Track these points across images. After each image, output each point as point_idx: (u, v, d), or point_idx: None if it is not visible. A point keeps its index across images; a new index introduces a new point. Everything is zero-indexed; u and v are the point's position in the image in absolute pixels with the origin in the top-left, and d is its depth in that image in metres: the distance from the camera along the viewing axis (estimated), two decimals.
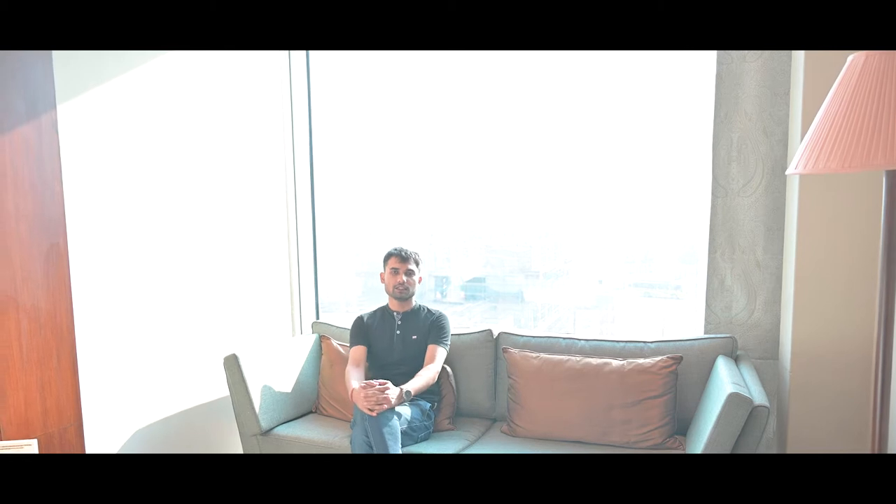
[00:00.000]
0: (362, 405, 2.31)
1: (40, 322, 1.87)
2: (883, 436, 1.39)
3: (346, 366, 2.70)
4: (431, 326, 2.72)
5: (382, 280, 2.78)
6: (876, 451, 1.39)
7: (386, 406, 2.29)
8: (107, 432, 2.40)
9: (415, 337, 2.71)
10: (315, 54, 3.32)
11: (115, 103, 2.39)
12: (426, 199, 3.45)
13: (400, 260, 2.71)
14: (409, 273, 2.72)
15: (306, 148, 3.37)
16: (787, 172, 1.42)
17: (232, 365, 2.58)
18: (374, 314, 2.81)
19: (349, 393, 2.45)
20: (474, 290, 3.55)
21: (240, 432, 2.66)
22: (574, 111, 3.04)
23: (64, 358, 1.94)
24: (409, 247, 2.75)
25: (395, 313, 2.77)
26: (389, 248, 2.77)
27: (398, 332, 2.73)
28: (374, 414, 2.27)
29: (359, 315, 2.82)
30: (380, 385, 2.34)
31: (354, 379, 2.55)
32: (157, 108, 2.56)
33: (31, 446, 1.76)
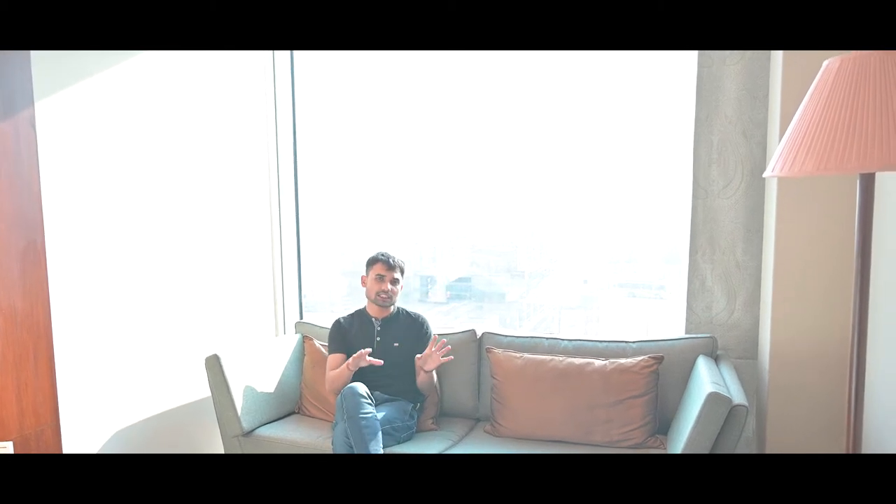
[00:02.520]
0: (355, 361, 2.45)
1: (17, 322, 1.85)
2: (857, 435, 1.41)
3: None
4: (417, 338, 2.71)
5: (364, 284, 2.75)
6: (851, 450, 1.42)
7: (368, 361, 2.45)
8: (85, 434, 2.37)
9: (396, 344, 2.68)
10: (299, 53, 3.31)
11: (95, 100, 2.36)
12: (412, 199, 3.45)
13: (386, 267, 2.68)
14: (395, 282, 2.69)
15: (290, 146, 3.36)
16: (764, 175, 1.44)
17: (213, 365, 2.56)
18: (351, 318, 2.77)
19: (345, 367, 2.53)
20: (460, 290, 3.55)
21: (221, 433, 2.64)
22: (558, 113, 3.06)
23: (41, 358, 1.92)
24: (395, 254, 2.72)
25: (374, 319, 2.73)
26: (375, 253, 2.72)
27: (378, 338, 2.70)
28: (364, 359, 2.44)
29: (336, 319, 2.77)
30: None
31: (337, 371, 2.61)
32: (138, 105, 2.53)
33: (6, 448, 1.73)
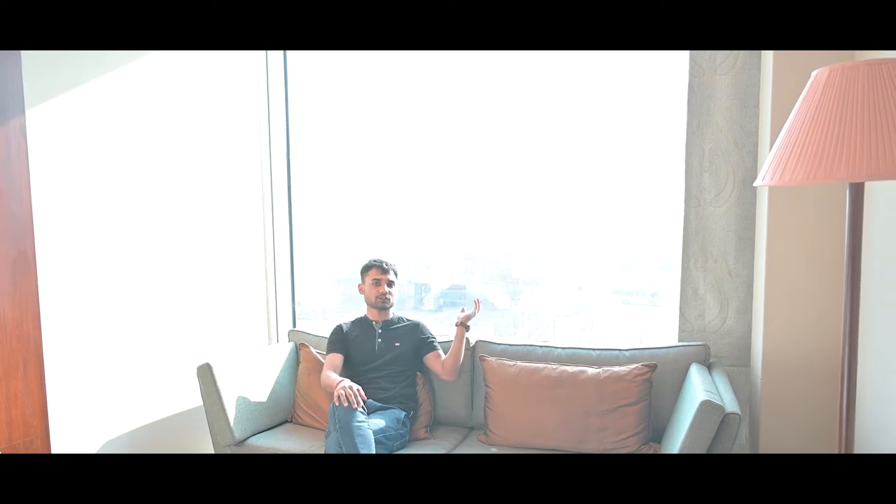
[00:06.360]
0: (339, 394, 2.32)
1: (6, 331, 1.83)
2: (849, 442, 1.41)
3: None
4: (419, 339, 2.78)
5: (361, 291, 2.84)
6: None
7: (354, 406, 2.31)
8: (75, 444, 2.35)
9: (397, 344, 2.75)
10: (292, 57, 3.31)
11: (86, 108, 2.35)
12: (406, 206, 3.45)
13: (381, 271, 2.78)
14: (390, 284, 2.80)
15: (283, 152, 3.36)
16: (754, 184, 1.45)
17: (205, 374, 2.55)
18: (353, 324, 2.84)
19: (333, 385, 2.43)
20: (454, 297, 3.55)
21: (213, 443, 2.62)
22: (552, 122, 3.07)
23: (31, 368, 1.90)
24: (387, 258, 2.82)
25: (374, 322, 2.81)
26: (367, 261, 2.82)
27: (380, 340, 2.76)
28: (341, 403, 2.30)
29: (338, 324, 2.84)
30: (359, 394, 2.37)
31: (336, 376, 2.55)
32: (129, 113, 2.53)
33: None
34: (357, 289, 2.86)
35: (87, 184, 2.37)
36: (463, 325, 2.71)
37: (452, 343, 2.72)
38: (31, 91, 2.08)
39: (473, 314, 2.74)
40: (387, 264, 2.79)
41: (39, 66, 2.15)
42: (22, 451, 1.87)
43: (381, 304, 2.77)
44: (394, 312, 2.86)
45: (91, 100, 2.37)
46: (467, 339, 2.83)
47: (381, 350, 2.73)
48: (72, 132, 2.30)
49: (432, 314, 3.52)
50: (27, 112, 1.97)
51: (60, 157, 2.26)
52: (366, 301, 2.83)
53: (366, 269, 2.81)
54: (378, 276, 2.77)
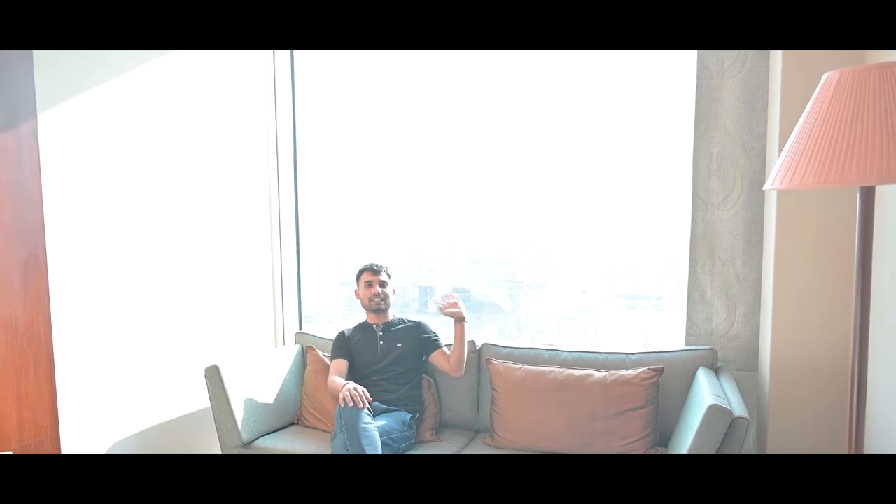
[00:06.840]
0: (345, 395, 2.35)
1: (17, 333, 1.85)
2: (859, 446, 1.41)
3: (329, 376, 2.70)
4: (421, 338, 2.78)
5: (358, 297, 2.86)
6: None
7: (360, 406, 2.34)
8: (85, 444, 2.36)
9: (399, 345, 2.75)
10: (300, 61, 3.32)
11: (96, 111, 2.37)
12: (411, 209, 3.46)
13: (372, 273, 2.80)
14: (383, 284, 2.80)
15: (290, 155, 3.37)
16: (764, 188, 1.45)
17: (213, 376, 2.55)
18: (355, 329, 2.85)
19: (339, 388, 2.44)
20: None
21: (220, 444, 2.62)
22: (558, 124, 3.08)
23: (41, 369, 1.91)
24: (379, 261, 2.84)
25: (375, 326, 2.82)
26: (360, 266, 2.85)
27: (381, 342, 2.76)
28: (346, 404, 2.32)
29: (341, 330, 2.86)
30: (364, 395, 2.39)
31: (342, 380, 2.58)
32: (138, 117, 2.54)
33: None
34: (354, 295, 2.88)
35: (98, 187, 2.38)
36: (460, 322, 2.67)
37: (454, 340, 2.70)
38: (43, 95, 2.09)
39: (454, 303, 2.67)
40: (377, 265, 2.81)
41: (51, 70, 2.17)
42: (33, 451, 1.87)
43: (377, 304, 2.78)
44: (394, 314, 2.87)
45: (101, 103, 2.38)
46: (472, 342, 2.83)
47: (383, 352, 2.74)
48: (82, 135, 2.32)
49: (435, 317, 3.51)
50: (39, 116, 1.99)
51: (71, 161, 2.28)
52: (363, 306, 2.84)
53: (358, 275, 2.84)
54: (370, 278, 2.79)
